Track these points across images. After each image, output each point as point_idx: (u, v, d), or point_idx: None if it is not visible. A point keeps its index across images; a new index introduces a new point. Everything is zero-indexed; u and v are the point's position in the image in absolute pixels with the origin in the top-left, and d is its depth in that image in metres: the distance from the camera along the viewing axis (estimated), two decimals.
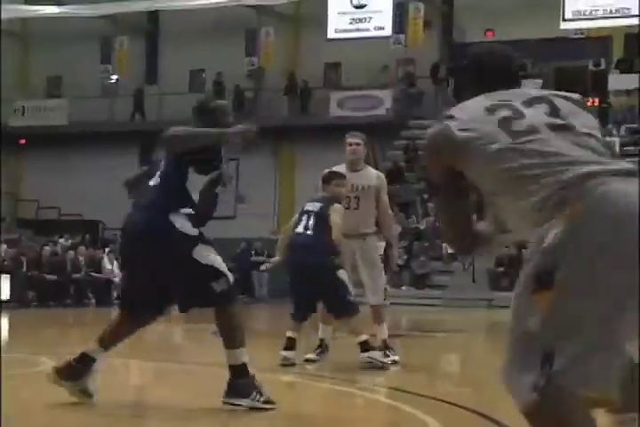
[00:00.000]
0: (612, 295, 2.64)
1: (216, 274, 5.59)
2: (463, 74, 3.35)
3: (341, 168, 8.47)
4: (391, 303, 16.70)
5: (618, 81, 26.02)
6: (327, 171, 8.36)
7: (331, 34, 26.92)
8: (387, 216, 8.53)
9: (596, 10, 26.02)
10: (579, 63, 26.82)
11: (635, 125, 25.61)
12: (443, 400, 6.24)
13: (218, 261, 5.68)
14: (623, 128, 25.58)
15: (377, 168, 9.35)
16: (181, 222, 5.54)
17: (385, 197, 8.49)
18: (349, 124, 24.75)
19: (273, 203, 28.28)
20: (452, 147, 3.00)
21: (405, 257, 23.02)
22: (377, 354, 8.14)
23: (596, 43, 26.76)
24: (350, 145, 8.46)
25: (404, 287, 22.49)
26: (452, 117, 3.06)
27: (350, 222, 8.13)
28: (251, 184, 26.40)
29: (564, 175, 2.77)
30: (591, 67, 26.51)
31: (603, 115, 24.29)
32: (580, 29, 26.63)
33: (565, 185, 2.75)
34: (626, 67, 26.36)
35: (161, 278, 5.64)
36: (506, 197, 2.96)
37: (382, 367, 8.05)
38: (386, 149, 26.96)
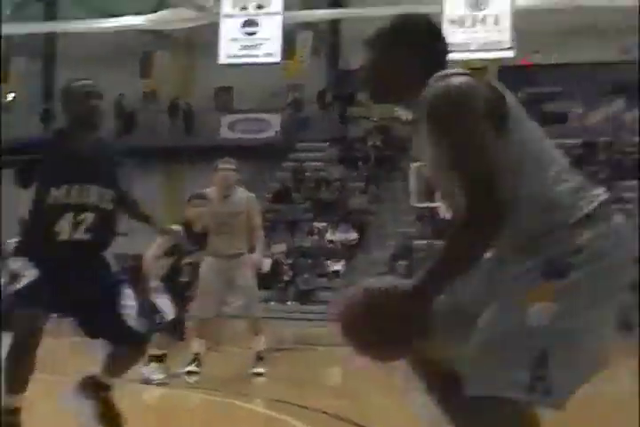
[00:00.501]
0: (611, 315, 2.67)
1: None
2: (400, 41, 2.82)
3: (213, 191, 8.39)
4: (276, 317, 16.73)
5: None
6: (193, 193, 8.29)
7: (222, 59, 26.84)
8: (258, 235, 8.52)
9: (470, 42, 26.47)
10: None
11: None
12: (324, 412, 6.21)
13: None
14: None
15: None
16: None
17: (256, 218, 8.52)
18: (239, 145, 24.86)
19: (165, 221, 28.11)
20: (493, 100, 2.66)
21: (291, 273, 23.01)
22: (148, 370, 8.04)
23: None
24: (221, 171, 8.34)
25: (289, 303, 22.46)
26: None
27: (224, 245, 8.28)
28: (143, 202, 26.01)
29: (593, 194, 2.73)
30: None
31: None
32: (456, 61, 27.03)
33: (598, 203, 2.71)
34: None
35: None
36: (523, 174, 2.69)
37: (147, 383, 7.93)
38: (274, 171, 27.00)
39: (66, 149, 4.73)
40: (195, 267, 8.38)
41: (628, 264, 2.69)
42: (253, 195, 8.84)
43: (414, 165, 21.07)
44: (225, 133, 27.77)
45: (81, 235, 4.68)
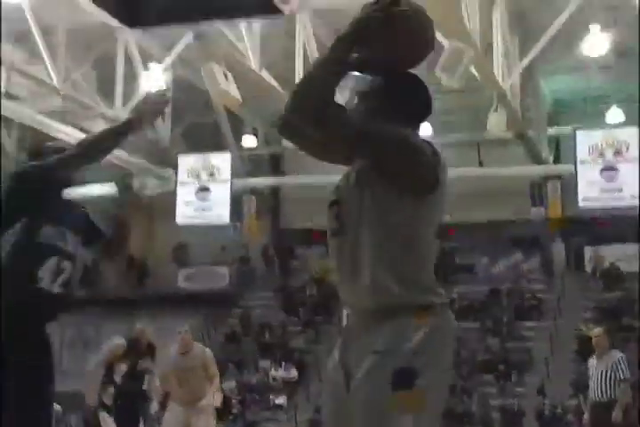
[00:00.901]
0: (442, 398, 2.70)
1: None
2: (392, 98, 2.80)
3: (175, 349, 8.93)
4: None
5: None
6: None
7: (180, 220, 27.36)
8: (215, 383, 8.99)
9: None
10: None
11: None
12: None
13: None
14: None
15: None
16: None
17: (212, 367, 8.94)
18: (194, 295, 25.20)
19: None
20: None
21: (240, 407, 23.03)
22: None
23: None
24: (179, 333, 8.98)
25: None
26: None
27: (185, 395, 8.64)
28: None
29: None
30: None
31: None
32: None
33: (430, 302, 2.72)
34: None
35: None
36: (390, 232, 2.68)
37: None
38: (225, 317, 27.20)
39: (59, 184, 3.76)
40: (148, 373, 8.69)
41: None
42: (208, 349, 9.36)
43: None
44: (182, 284, 28.07)
45: (57, 288, 3.58)
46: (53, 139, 22.37)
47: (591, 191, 22.27)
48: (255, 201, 27.85)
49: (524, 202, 24.42)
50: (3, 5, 16.24)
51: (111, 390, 8.50)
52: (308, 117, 2.61)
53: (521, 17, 21.48)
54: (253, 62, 21.04)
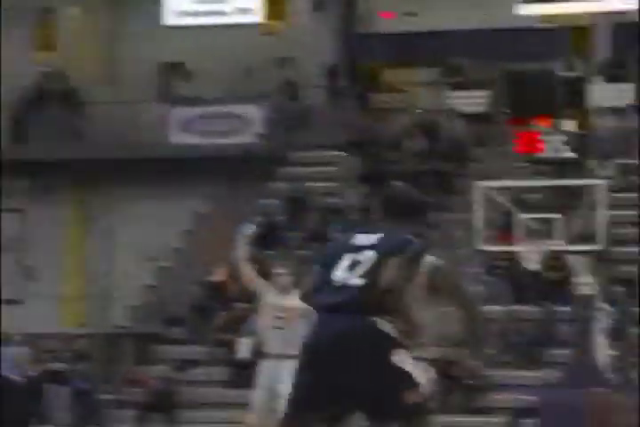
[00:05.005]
0: None
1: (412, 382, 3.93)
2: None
3: (272, 291, 8.16)
4: None
5: (603, 93, 16.12)
6: None
7: (168, 18, 16.32)
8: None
9: None
10: (541, 66, 17.10)
11: (630, 161, 15.70)
12: None
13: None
14: (611, 165, 15.81)
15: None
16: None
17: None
18: (198, 157, 15.34)
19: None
20: None
21: None
22: None
23: (570, 36, 16.69)
24: (276, 276, 8.30)
25: None
26: None
27: (277, 342, 8.13)
28: (44, 250, 16.71)
29: None
30: (561, 71, 16.59)
31: (581, 145, 15.56)
32: (545, 15, 16.30)
33: None
34: (616, 73, 16.53)
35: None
36: None
37: None
38: (256, 195, 16.29)
39: None
40: None
41: None
42: None
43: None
44: (177, 137, 17.13)
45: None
46: None
47: None
48: None
49: None
50: None
51: None
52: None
53: None
54: None
